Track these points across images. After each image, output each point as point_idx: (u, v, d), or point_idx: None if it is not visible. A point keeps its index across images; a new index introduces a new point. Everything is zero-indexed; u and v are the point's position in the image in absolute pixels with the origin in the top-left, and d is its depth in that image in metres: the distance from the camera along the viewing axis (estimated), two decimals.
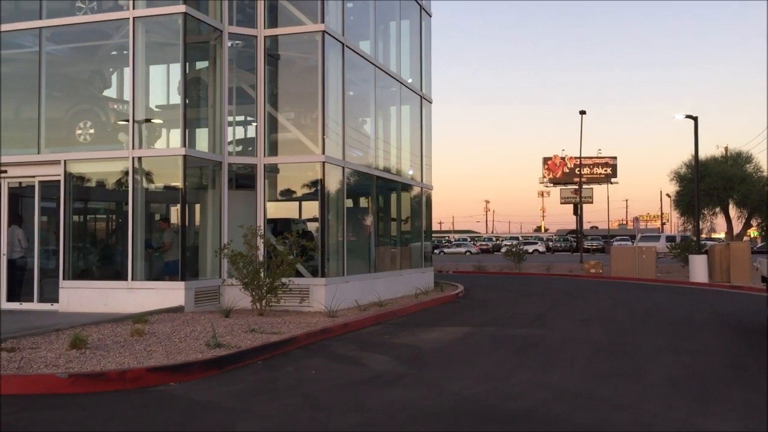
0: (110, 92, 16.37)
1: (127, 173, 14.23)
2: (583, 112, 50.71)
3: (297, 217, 17.81)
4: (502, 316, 15.77)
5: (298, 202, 17.64)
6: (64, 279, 14.38)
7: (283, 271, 13.66)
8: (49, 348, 9.42)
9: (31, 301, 14.71)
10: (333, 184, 16.25)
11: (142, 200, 14.37)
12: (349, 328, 12.84)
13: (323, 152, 15.40)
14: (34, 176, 14.89)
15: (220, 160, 15.28)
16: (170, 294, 13.85)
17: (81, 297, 14.24)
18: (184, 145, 14.12)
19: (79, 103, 15.51)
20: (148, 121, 14.92)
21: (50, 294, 14.51)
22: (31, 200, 14.99)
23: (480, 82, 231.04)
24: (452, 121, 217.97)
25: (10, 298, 14.92)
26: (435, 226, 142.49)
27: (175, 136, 15.17)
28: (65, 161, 14.56)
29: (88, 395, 7.52)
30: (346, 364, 9.53)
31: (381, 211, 20.42)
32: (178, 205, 14.27)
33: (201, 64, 16.26)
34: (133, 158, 14.23)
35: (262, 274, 13.73)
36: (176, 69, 15.27)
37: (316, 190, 15.51)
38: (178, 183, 14.09)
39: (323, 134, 15.48)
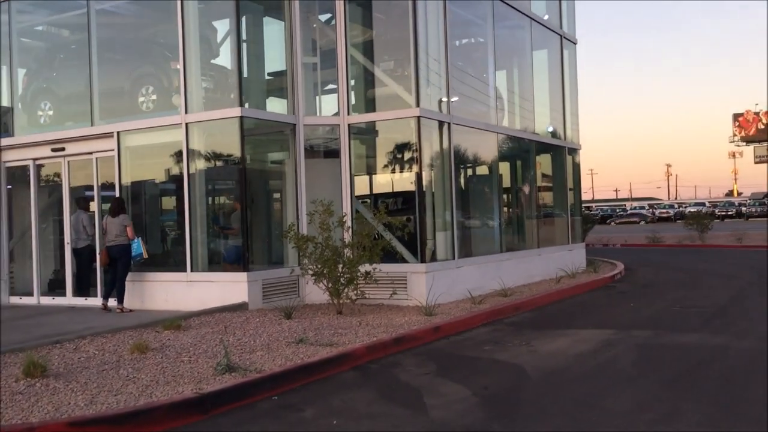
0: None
1: (182, 144, 11.87)
2: None
3: (398, 190, 14.63)
4: (665, 311, 11.72)
5: (396, 172, 14.50)
6: None
7: (360, 258, 10.68)
8: None
9: (95, 295, 12.89)
10: (434, 143, 12.95)
11: (200, 175, 11.97)
12: (442, 333, 9.60)
13: (417, 104, 12.13)
14: (91, 152, 13.00)
15: (293, 122, 12.50)
16: (232, 288, 11.35)
17: (141, 292, 12.17)
18: (241, 105, 11.46)
19: (140, 67, 13.37)
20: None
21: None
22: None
23: (646, 23, 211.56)
24: (611, 69, 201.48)
25: (78, 292, 13.23)
26: (609, 194, 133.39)
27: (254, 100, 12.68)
28: (118, 133, 12.49)
29: None
30: (397, 405, 6.34)
31: (511, 177, 16.77)
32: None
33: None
34: (186, 125, 11.84)
35: (340, 264, 10.82)
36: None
37: (411, 152, 12.31)
38: (237, 152, 11.47)
39: (417, 83, 12.20)
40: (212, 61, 13.56)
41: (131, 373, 7.02)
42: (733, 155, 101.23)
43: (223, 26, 14.64)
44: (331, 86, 13.81)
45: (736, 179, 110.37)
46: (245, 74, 14.56)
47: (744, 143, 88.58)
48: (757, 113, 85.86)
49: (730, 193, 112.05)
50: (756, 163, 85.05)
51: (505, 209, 16.10)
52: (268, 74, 13.96)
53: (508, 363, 7.87)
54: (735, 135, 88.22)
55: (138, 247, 11.65)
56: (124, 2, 13.96)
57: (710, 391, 6.51)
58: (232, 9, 11.80)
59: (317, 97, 13.93)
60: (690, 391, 6.51)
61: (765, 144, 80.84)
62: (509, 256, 15.00)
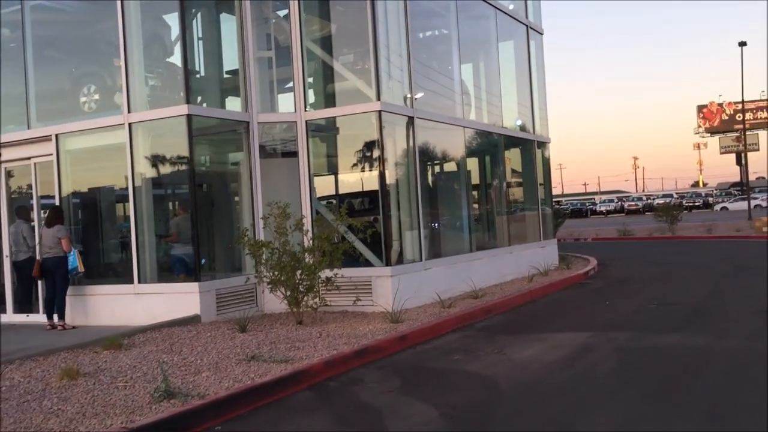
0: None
1: (126, 146, 11.02)
2: (743, 44, 43.09)
3: (362, 190, 13.92)
4: (642, 309, 11.20)
5: (360, 171, 13.77)
6: None
7: (320, 263, 9.96)
8: None
9: (38, 311, 11.98)
10: (398, 140, 12.29)
11: (147, 179, 11.15)
12: (409, 342, 8.92)
13: (378, 98, 11.45)
14: (29, 158, 12.08)
15: (247, 120, 11.73)
16: (183, 299, 10.54)
17: (86, 306, 11.32)
18: (188, 102, 10.65)
19: (82, 65, 12.48)
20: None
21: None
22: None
23: (608, 15, 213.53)
24: (578, 63, 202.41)
25: (18, 309, 12.30)
26: (578, 188, 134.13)
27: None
28: (56, 136, 11.60)
29: None
30: None
31: (480, 173, 16.17)
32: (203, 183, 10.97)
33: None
34: (129, 125, 11.00)
35: (298, 270, 10.08)
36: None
37: (374, 149, 11.62)
38: (185, 152, 10.66)
39: (377, 75, 11.50)
40: (168, 60, 12.75)
41: (56, 404, 6.22)
42: (698, 146, 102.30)
43: (199, 25, 13.83)
44: (291, 84, 13.08)
45: (701, 170, 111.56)
46: (202, 72, 13.79)
47: (708, 134, 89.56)
48: (720, 104, 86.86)
49: (696, 184, 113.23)
50: (722, 153, 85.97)
51: (475, 206, 15.49)
52: (227, 72, 13.19)
53: (479, 375, 7.22)
54: (699, 126, 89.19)
55: (74, 260, 10.79)
56: None
57: (700, 401, 5.93)
58: (176, 1, 10.91)
59: (275, 95, 13.17)
60: (678, 403, 5.92)
61: (732, 134, 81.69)
62: (480, 255, 14.39)
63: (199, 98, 13.44)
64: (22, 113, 12.11)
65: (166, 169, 11.39)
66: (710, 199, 72.86)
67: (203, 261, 10.99)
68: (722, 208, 64.18)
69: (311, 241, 10.45)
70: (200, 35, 13.77)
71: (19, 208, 12.39)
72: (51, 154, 11.61)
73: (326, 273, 10.26)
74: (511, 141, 17.02)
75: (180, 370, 7.33)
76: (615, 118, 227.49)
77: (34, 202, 12.10)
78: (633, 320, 10.19)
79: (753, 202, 49.28)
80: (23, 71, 12.11)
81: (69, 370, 7.09)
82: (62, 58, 12.83)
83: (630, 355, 7.82)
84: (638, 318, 10.39)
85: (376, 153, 11.57)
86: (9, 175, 12.51)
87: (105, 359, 8.03)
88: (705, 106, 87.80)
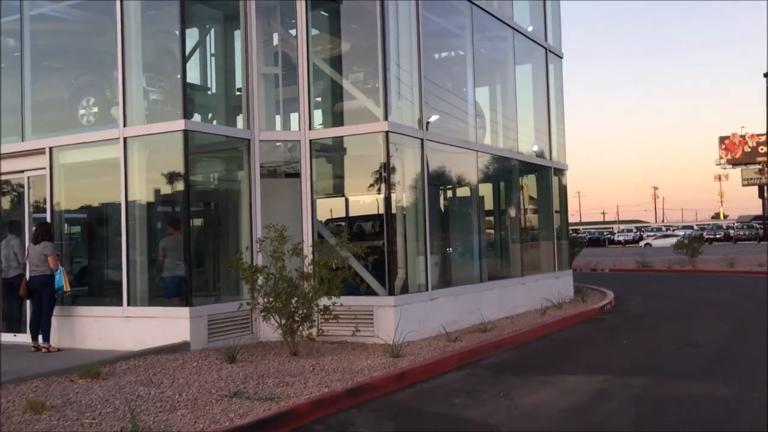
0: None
1: (121, 161, 10.54)
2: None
3: (369, 213, 13.34)
4: (661, 349, 10.47)
5: (367, 193, 13.19)
6: None
7: (317, 291, 9.36)
8: None
9: (26, 331, 11.45)
10: (407, 162, 11.73)
11: (141, 196, 10.65)
12: (408, 380, 8.27)
13: (386, 118, 10.90)
14: (23, 170, 11.64)
15: (248, 138, 11.22)
16: (173, 324, 9.97)
17: (73, 328, 10.78)
18: (185, 117, 10.16)
19: (81, 76, 12.07)
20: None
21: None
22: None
23: (631, 44, 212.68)
24: (597, 89, 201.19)
25: (7, 327, 11.74)
26: (597, 216, 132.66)
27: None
28: (50, 149, 11.16)
29: None
30: None
31: (493, 199, 15.55)
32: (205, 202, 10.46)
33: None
34: (125, 139, 10.53)
35: (294, 297, 9.48)
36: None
37: (381, 171, 11.05)
38: (181, 169, 10.15)
39: (385, 94, 10.98)
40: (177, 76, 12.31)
41: None
42: (719, 178, 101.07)
43: (191, 39, 13.46)
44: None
45: (722, 202, 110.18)
46: (213, 89, 13.37)
47: (730, 166, 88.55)
48: (743, 136, 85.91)
49: (716, 216, 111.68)
50: (744, 185, 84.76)
51: (487, 234, 14.85)
52: (238, 90, 12.75)
53: (482, 423, 6.56)
54: (721, 158, 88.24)
55: (60, 279, 10.27)
56: (67, 6, 12.63)
57: None
58: (176, 12, 10.46)
59: (280, 113, 12.71)
60: None
61: (754, 167, 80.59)
62: (490, 285, 13.73)
63: (204, 114, 13.04)
64: (17, 124, 11.69)
65: (161, 186, 10.90)
66: (731, 232, 71.50)
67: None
68: (646, 245, 62.79)
69: (313, 267, 9.87)
70: (212, 51, 13.41)
71: (11, 223, 11.93)
72: (44, 168, 11.16)
73: (324, 301, 9.65)
74: (527, 167, 16.40)
75: (155, 406, 6.73)
76: (636, 147, 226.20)
77: (26, 216, 11.64)
78: (651, 363, 9.47)
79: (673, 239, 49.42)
80: (20, 81, 11.72)
81: (34, 403, 6.51)
82: (61, 69, 12.46)
83: (648, 405, 7.10)
84: (657, 360, 9.66)
85: (382, 175, 11.01)
86: (2, 188, 12.07)
87: (78, 390, 7.45)
88: (727, 138, 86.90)
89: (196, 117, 12.84)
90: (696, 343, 10.85)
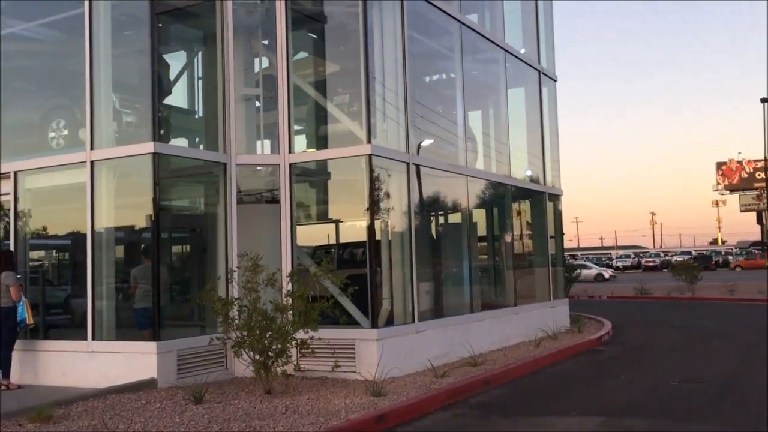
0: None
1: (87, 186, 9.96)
2: (765, 101, 42.20)
3: (352, 240, 12.75)
4: (662, 386, 9.81)
5: (350, 220, 12.60)
6: None
7: (293, 324, 8.74)
8: None
9: None
10: (393, 187, 11.17)
11: (108, 223, 10.07)
12: (388, 423, 7.61)
13: (369, 141, 10.36)
14: None
15: (224, 161, 10.66)
16: (139, 360, 9.32)
17: (36, 363, 10.12)
18: (154, 139, 9.60)
19: (52, 98, 11.54)
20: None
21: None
22: None
23: (627, 68, 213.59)
24: (593, 114, 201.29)
25: None
26: (594, 242, 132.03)
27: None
28: (15, 173, 10.59)
29: None
30: None
31: (486, 226, 14.99)
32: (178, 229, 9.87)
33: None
34: (92, 163, 9.97)
35: (268, 331, 8.84)
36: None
37: (364, 197, 10.48)
38: (149, 195, 9.57)
39: (368, 116, 10.44)
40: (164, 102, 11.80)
41: None
42: (717, 204, 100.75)
43: (178, 62, 13.01)
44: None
45: (720, 227, 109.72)
46: (199, 113, 12.86)
47: (727, 192, 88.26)
48: (740, 162, 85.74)
49: (714, 242, 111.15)
50: (742, 211, 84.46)
51: (478, 261, 14.25)
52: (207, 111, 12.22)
53: None
54: (718, 183, 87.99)
55: (23, 311, 9.65)
56: (39, 26, 12.15)
57: None
58: (148, 32, 9.95)
59: (261, 137, 12.15)
60: None
61: (752, 192, 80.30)
62: (481, 315, 13.10)
63: (188, 138, 12.52)
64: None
65: (131, 213, 10.35)
66: (730, 258, 70.90)
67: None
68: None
69: (291, 299, 9.24)
70: (195, 73, 12.93)
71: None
72: (9, 194, 10.58)
73: (301, 335, 9.02)
74: (520, 192, 15.87)
75: None
76: (633, 173, 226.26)
77: None
78: (651, 402, 8.81)
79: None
80: None
81: None
82: (32, 90, 11.94)
83: None
84: (658, 399, 9.01)
85: (366, 201, 10.43)
86: None
87: None
88: (724, 164, 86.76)
89: (179, 140, 12.38)
90: (698, 378, 10.20)
